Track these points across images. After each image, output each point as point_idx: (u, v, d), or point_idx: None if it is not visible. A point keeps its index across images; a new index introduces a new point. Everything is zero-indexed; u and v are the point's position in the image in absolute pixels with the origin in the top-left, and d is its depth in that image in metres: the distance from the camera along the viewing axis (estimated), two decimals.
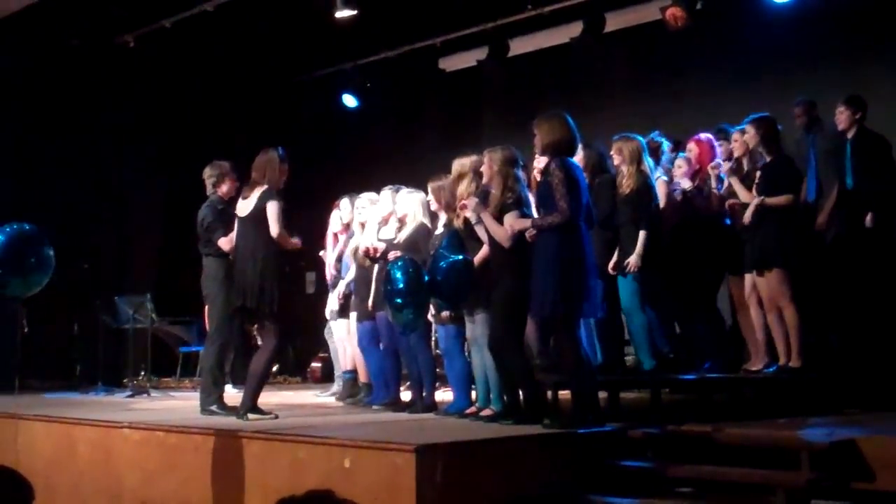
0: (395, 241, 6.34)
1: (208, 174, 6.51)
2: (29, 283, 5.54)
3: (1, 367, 8.62)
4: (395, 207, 6.56)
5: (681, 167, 6.59)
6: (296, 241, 6.04)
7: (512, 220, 5.27)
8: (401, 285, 5.55)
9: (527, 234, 5.23)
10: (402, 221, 6.44)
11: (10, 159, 9.70)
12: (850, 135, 6.30)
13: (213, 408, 6.05)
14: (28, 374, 8.91)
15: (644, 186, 6.16)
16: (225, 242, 6.21)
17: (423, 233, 6.22)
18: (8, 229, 5.48)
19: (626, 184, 6.19)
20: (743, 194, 6.21)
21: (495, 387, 5.60)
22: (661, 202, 6.36)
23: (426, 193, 6.21)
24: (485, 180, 5.54)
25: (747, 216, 6.07)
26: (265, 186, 5.93)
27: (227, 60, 10.68)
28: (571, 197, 5.02)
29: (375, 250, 6.37)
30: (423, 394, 6.30)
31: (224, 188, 6.46)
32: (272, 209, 5.86)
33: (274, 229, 5.85)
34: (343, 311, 7.32)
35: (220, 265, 6.24)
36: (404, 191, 6.54)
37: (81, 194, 10.14)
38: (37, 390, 8.35)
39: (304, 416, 6.07)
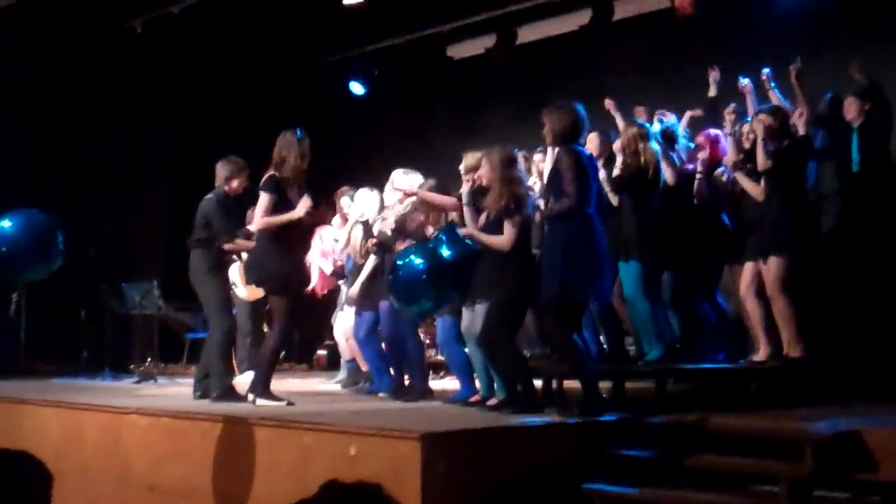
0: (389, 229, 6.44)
1: (221, 169, 6.51)
2: (50, 267, 5.63)
3: (4, 351, 8.67)
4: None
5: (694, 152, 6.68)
6: (300, 209, 5.86)
7: (514, 225, 5.32)
8: (424, 274, 5.55)
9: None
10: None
11: (18, 144, 9.72)
12: (856, 123, 6.32)
13: (223, 395, 6.07)
14: (34, 359, 8.96)
15: (641, 172, 6.14)
16: (243, 244, 6.30)
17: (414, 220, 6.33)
18: (28, 215, 5.56)
19: (622, 168, 6.21)
20: (751, 188, 6.22)
21: (498, 376, 5.63)
22: (668, 175, 6.36)
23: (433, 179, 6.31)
24: (484, 183, 5.55)
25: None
26: (270, 172, 5.94)
27: (234, 46, 10.68)
28: (580, 183, 5.08)
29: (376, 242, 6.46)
30: (415, 381, 6.36)
31: (234, 185, 6.47)
32: (260, 201, 5.83)
33: (255, 222, 5.84)
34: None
35: (203, 256, 6.26)
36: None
37: (89, 180, 10.17)
38: (43, 375, 8.38)
39: (310, 404, 6.09)
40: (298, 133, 5.96)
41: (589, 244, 5.08)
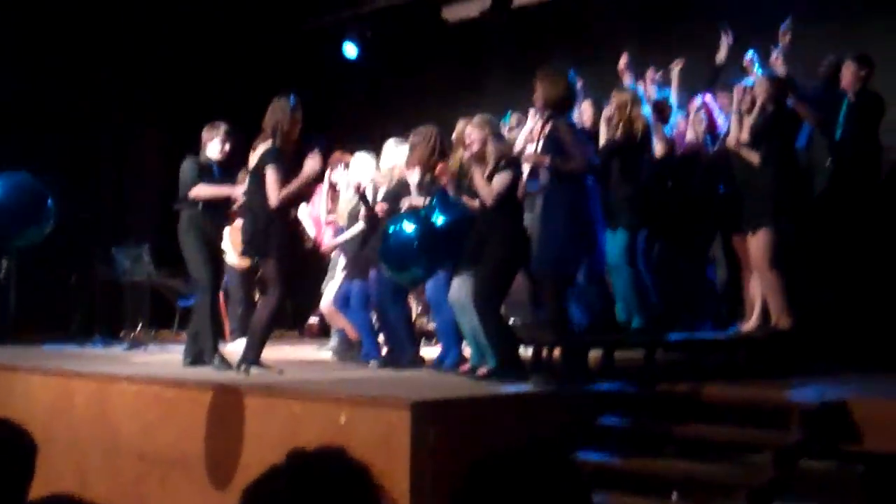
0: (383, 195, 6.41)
1: (203, 134, 6.47)
2: (41, 232, 5.60)
3: None
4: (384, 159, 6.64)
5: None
6: (309, 167, 5.79)
7: (505, 178, 5.34)
8: (415, 241, 5.53)
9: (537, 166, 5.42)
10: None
11: (9, 109, 9.63)
12: (849, 91, 6.28)
13: (215, 362, 6.07)
14: (24, 326, 8.94)
15: (631, 138, 6.09)
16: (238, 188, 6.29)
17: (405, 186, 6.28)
18: (18, 178, 5.51)
19: (612, 134, 6.17)
20: (750, 156, 6.19)
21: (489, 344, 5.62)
22: (658, 148, 6.31)
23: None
24: (475, 147, 5.53)
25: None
26: (268, 143, 5.85)
27: (226, 7, 10.56)
28: (583, 148, 5.19)
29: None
30: (405, 349, 6.35)
31: (208, 150, 6.41)
32: (270, 176, 5.69)
33: (272, 198, 5.67)
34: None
35: (187, 218, 6.25)
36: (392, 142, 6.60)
37: (80, 144, 10.08)
38: (33, 342, 8.36)
39: (300, 372, 6.09)
40: (292, 101, 5.89)
41: (590, 218, 5.15)
